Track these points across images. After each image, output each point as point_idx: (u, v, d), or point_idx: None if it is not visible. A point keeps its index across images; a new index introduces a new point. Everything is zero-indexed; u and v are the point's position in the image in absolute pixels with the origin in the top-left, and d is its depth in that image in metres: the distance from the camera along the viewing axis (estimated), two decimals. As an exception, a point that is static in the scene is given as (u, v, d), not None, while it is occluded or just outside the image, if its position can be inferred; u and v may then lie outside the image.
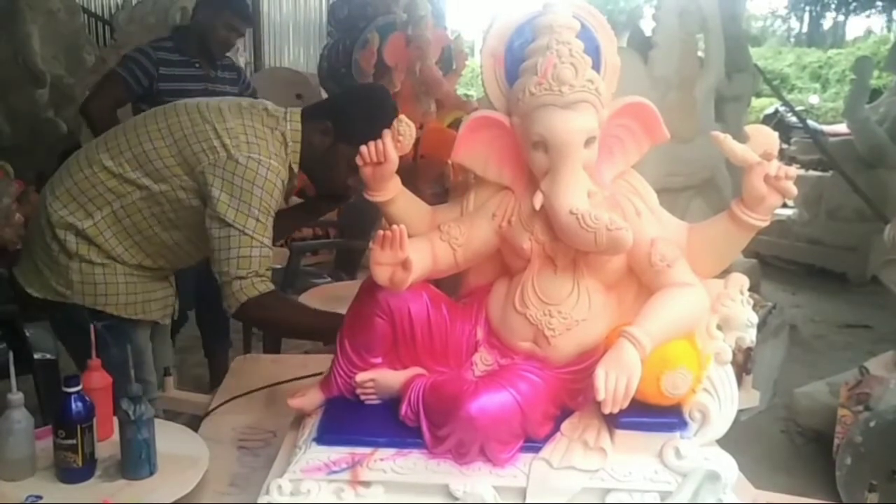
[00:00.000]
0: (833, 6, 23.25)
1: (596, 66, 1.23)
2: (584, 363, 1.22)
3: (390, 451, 1.23)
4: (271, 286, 1.66)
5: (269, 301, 1.65)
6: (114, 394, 1.48)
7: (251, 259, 1.62)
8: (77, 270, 1.72)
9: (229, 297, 1.64)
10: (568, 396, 1.26)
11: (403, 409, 1.26)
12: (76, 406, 1.32)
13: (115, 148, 1.72)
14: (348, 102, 1.83)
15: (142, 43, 3.04)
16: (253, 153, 1.64)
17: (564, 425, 1.24)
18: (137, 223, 1.72)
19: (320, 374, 1.65)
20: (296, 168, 1.76)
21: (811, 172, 6.51)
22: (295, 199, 2.02)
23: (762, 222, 1.22)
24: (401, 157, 1.34)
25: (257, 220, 1.62)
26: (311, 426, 1.32)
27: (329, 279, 3.40)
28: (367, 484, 1.22)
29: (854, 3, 22.37)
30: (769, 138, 1.22)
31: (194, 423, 1.73)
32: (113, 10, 7.18)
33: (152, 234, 1.74)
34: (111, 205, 1.70)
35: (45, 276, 1.74)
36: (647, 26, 3.99)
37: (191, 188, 1.68)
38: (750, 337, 1.26)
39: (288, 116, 1.75)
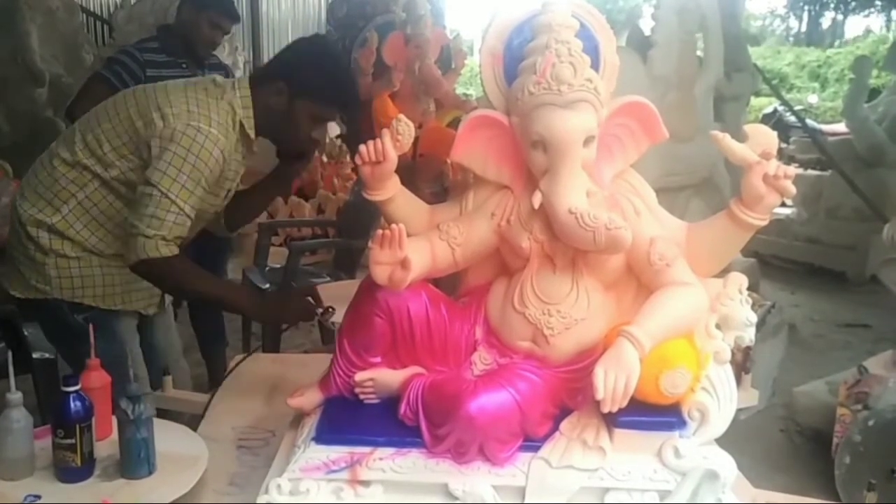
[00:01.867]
0: (832, 5, 23.25)
1: (595, 66, 1.23)
2: (583, 362, 1.22)
3: (389, 450, 1.23)
4: (175, 251, 1.64)
5: (171, 263, 1.63)
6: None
7: (164, 222, 1.60)
8: (53, 266, 1.72)
9: (129, 252, 1.63)
10: (567, 395, 1.26)
11: (402, 408, 1.26)
12: (75, 405, 1.32)
13: (70, 138, 1.74)
14: (296, 58, 1.82)
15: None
16: (192, 121, 1.64)
17: (563, 424, 1.24)
18: (105, 210, 1.73)
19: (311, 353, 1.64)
20: (252, 134, 1.76)
21: (810, 171, 6.48)
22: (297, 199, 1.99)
23: (761, 221, 1.23)
24: (400, 157, 1.34)
25: (183, 185, 1.61)
26: (311, 425, 1.32)
27: (328, 278, 3.39)
28: (366, 483, 1.22)
29: (853, 3, 22.37)
30: (768, 137, 1.22)
31: (193, 422, 1.73)
32: (112, 9, 7.15)
33: (122, 219, 1.72)
34: (75, 196, 1.71)
35: (26, 276, 1.75)
36: (646, 25, 3.99)
37: (139, 168, 1.68)
38: (749, 336, 1.27)
39: (236, 85, 1.76)
